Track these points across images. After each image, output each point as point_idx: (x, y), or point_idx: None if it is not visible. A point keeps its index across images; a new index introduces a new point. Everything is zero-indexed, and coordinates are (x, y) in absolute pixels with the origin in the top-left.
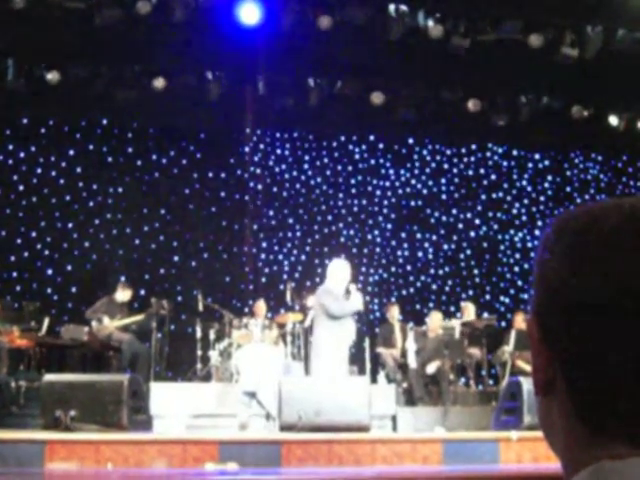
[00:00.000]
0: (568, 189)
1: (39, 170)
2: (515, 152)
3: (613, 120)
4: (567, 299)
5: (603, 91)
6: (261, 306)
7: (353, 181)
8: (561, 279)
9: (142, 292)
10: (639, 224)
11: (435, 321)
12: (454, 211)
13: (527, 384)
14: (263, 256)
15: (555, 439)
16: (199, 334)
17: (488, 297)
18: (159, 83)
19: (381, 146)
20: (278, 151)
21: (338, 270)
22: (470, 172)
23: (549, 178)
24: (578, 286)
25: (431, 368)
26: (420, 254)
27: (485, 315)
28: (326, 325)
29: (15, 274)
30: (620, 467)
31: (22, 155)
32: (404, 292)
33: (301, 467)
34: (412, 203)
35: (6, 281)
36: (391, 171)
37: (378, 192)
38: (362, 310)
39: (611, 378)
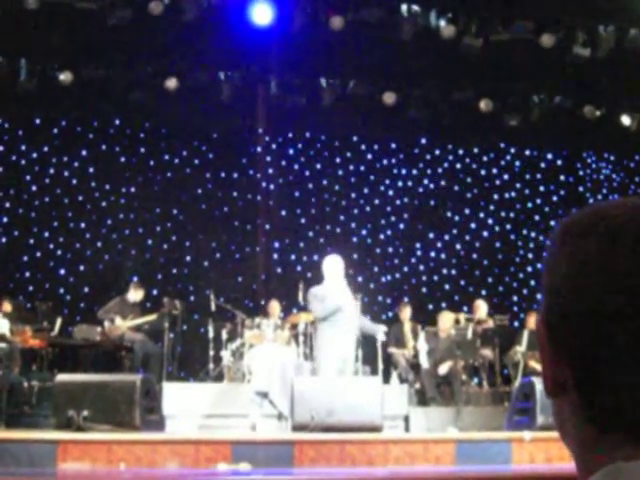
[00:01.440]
0: (580, 189)
1: (52, 170)
2: (527, 152)
3: (625, 120)
4: (573, 301)
5: (615, 91)
6: (275, 306)
7: (365, 181)
8: (567, 281)
9: (154, 292)
10: None
11: (445, 321)
12: (466, 211)
13: (540, 384)
14: (275, 256)
15: (569, 439)
16: (211, 334)
17: (501, 297)
18: (171, 83)
19: (393, 146)
20: (290, 151)
21: (329, 266)
22: (482, 172)
23: (561, 178)
24: (582, 288)
25: (443, 368)
26: (432, 254)
27: (497, 315)
28: (320, 327)
29: (28, 274)
30: (635, 468)
31: (35, 155)
32: (416, 292)
33: (313, 467)
34: (424, 203)
35: (19, 281)
36: (403, 171)
37: (390, 192)
38: (342, 305)
39: (618, 380)
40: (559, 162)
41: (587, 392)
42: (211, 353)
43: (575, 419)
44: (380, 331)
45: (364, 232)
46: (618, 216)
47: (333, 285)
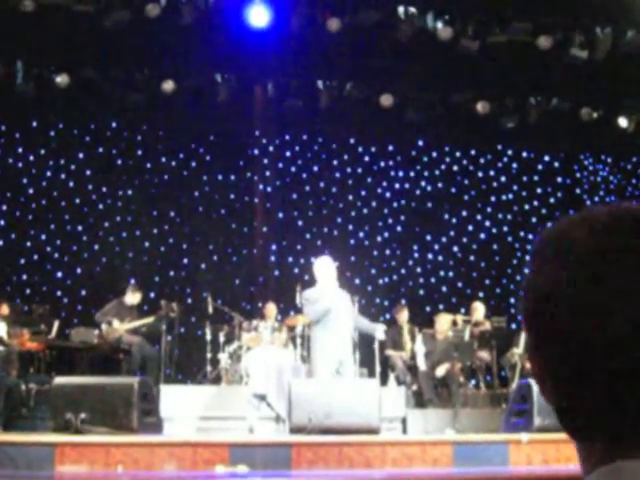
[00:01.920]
0: (578, 191)
1: (49, 173)
2: (524, 154)
3: (622, 122)
4: (542, 320)
5: (612, 92)
6: (271, 308)
7: (362, 183)
8: (536, 302)
9: (152, 295)
10: (585, 241)
11: (443, 323)
12: (464, 213)
13: (537, 386)
14: (273, 258)
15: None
16: (209, 337)
17: (498, 299)
18: (168, 86)
19: (390, 148)
20: (287, 153)
21: (319, 268)
22: (480, 174)
23: (559, 180)
24: (544, 310)
25: (440, 371)
26: (430, 256)
27: (495, 317)
28: (314, 329)
29: (25, 277)
30: (636, 467)
31: (32, 158)
32: (414, 294)
33: (311, 470)
34: (422, 205)
35: (16, 284)
36: (400, 173)
37: (387, 194)
38: (332, 306)
39: (584, 393)
40: (556, 164)
41: (561, 403)
42: (208, 356)
43: None
44: (379, 330)
45: (361, 234)
46: (564, 238)
47: (325, 287)
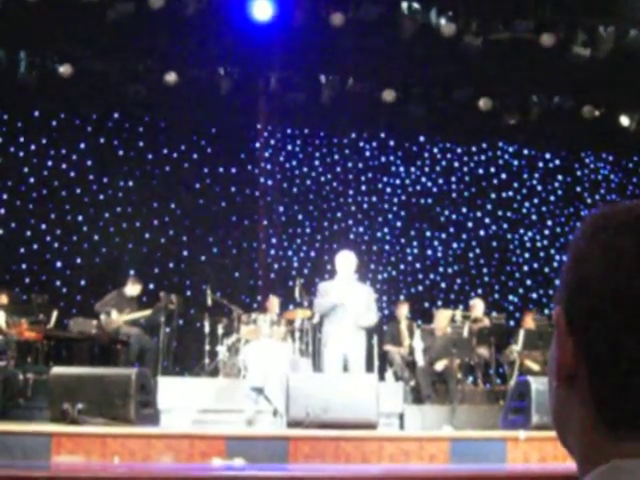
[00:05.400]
0: (578, 189)
1: (50, 163)
2: (526, 151)
3: (624, 120)
4: (601, 295)
5: (614, 91)
6: (274, 302)
7: (363, 178)
8: (597, 275)
9: (151, 286)
10: None
11: (441, 320)
12: (464, 209)
13: (535, 383)
14: (272, 252)
15: (568, 434)
16: (207, 329)
17: (497, 296)
18: (171, 77)
19: (392, 143)
20: (289, 147)
21: (337, 262)
22: (480, 171)
23: (559, 178)
24: (613, 284)
25: (439, 366)
26: (429, 252)
27: (494, 314)
28: (323, 323)
29: (24, 266)
30: (633, 467)
31: (33, 147)
32: (413, 290)
33: (308, 464)
34: (422, 201)
35: (15, 273)
36: (401, 169)
37: (388, 189)
38: (338, 302)
39: (635, 376)
40: (557, 162)
41: (600, 386)
42: (207, 348)
43: (582, 411)
44: (363, 318)
45: (361, 229)
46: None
47: (340, 281)
